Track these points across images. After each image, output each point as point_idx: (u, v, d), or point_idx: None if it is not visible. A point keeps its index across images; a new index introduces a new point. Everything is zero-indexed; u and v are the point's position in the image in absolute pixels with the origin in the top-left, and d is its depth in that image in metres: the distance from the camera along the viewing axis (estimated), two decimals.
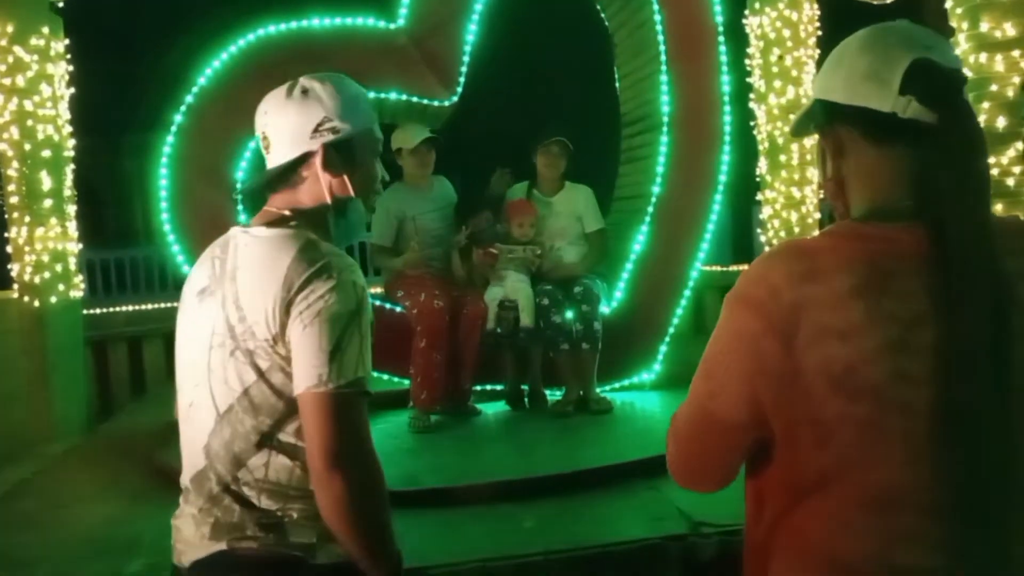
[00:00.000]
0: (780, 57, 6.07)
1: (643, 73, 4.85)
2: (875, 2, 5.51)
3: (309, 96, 1.55)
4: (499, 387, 4.58)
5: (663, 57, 4.59)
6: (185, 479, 1.54)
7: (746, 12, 6.24)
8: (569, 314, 4.33)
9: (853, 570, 1.09)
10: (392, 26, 4.50)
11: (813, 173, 6.08)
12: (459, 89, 4.56)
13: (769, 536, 1.18)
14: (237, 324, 1.44)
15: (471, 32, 4.54)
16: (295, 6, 4.47)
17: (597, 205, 4.68)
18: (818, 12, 6.13)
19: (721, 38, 4.68)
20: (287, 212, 1.55)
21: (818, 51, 6.02)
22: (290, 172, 1.56)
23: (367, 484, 1.41)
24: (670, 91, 4.60)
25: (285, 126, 1.55)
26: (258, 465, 1.45)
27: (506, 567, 2.67)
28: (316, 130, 1.54)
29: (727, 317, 1.14)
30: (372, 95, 4.47)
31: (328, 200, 1.57)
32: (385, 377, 4.48)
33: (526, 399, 4.52)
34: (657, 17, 4.60)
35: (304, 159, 1.55)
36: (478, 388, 4.50)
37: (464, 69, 4.54)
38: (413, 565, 2.63)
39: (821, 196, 6.07)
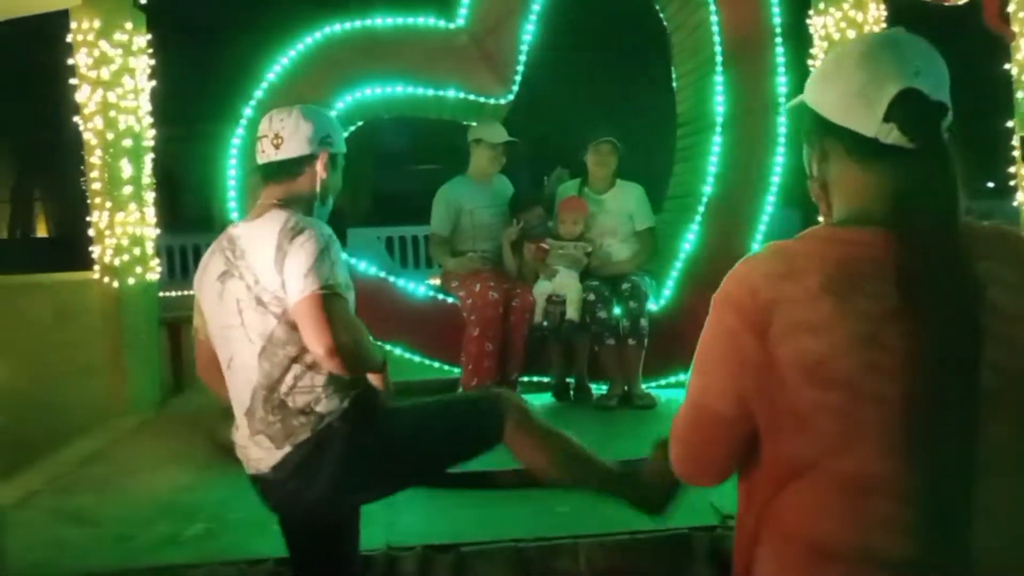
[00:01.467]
0: None
1: (699, 74, 4.90)
2: (946, 3, 5.44)
3: (319, 115, 2.22)
4: (546, 379, 4.70)
5: (718, 58, 4.63)
6: (239, 415, 2.14)
7: (810, 12, 6.20)
8: (616, 310, 4.42)
9: (831, 555, 1.16)
10: (452, 26, 4.65)
11: None
12: (515, 88, 4.68)
13: (756, 524, 1.25)
14: (254, 286, 2.02)
15: (528, 31, 4.65)
16: (361, 6, 4.66)
17: (648, 203, 4.74)
18: (884, 13, 6.05)
19: (778, 39, 4.70)
20: (282, 198, 2.11)
21: None
22: (296, 165, 2.14)
23: (355, 347, 1.96)
24: (725, 92, 4.64)
25: (300, 132, 2.14)
26: (289, 380, 2.02)
27: (537, 548, 2.81)
28: (321, 141, 2.17)
29: (713, 316, 1.23)
30: (431, 92, 4.65)
31: (318, 190, 2.18)
32: (436, 365, 4.64)
33: (571, 392, 4.63)
34: (714, 19, 4.64)
35: (310, 158, 2.15)
36: (525, 379, 4.62)
37: (520, 68, 4.66)
38: (447, 542, 2.81)
39: None
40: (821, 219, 1.33)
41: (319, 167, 2.17)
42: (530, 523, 2.96)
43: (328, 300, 1.93)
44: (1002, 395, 1.12)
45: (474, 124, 4.74)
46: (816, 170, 1.28)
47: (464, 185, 4.73)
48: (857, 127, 1.18)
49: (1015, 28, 4.15)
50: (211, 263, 2.13)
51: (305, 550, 2.32)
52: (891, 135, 1.15)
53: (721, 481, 1.32)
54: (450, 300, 4.54)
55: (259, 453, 2.11)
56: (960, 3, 5.19)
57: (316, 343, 1.92)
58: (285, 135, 2.15)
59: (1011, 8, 4.20)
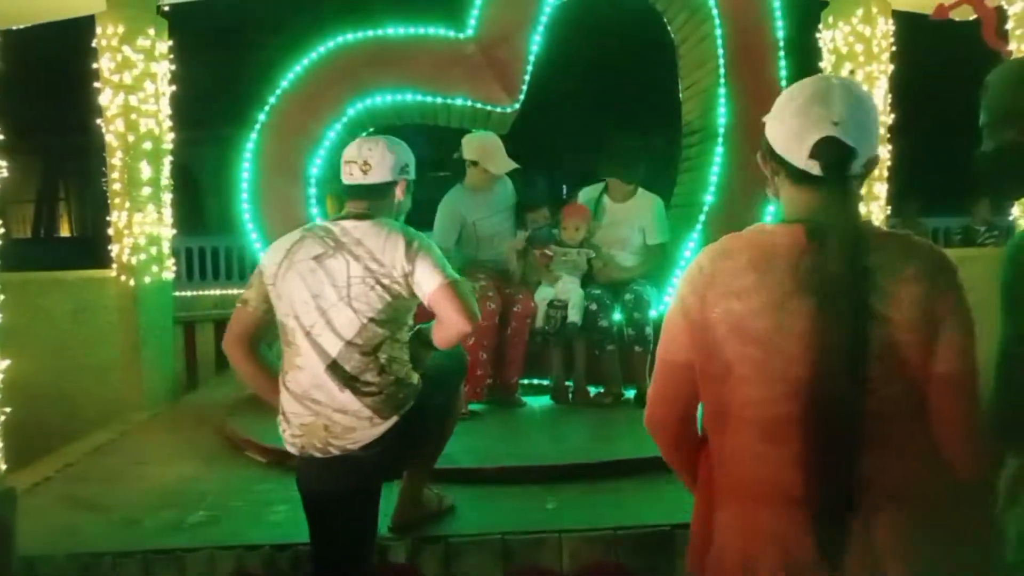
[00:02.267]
0: (852, 72, 6.08)
1: (703, 85, 4.99)
2: (956, 19, 5.50)
3: (400, 147, 2.73)
4: (545, 382, 4.79)
5: (722, 70, 4.73)
6: (306, 387, 2.50)
7: (819, 27, 6.28)
8: (616, 316, 4.52)
9: (752, 493, 1.50)
10: (461, 35, 4.77)
11: (880, 189, 6.09)
12: (522, 97, 4.80)
13: (707, 469, 1.62)
14: (377, 269, 2.49)
15: (536, 42, 4.77)
16: (373, 15, 4.79)
17: (664, 217, 4.79)
18: (893, 27, 6.12)
19: (781, 52, 4.79)
20: (366, 211, 2.61)
21: (891, 66, 6.02)
22: (381, 189, 2.67)
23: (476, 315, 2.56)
24: (727, 103, 4.74)
25: (386, 161, 2.67)
26: (386, 350, 2.50)
27: (523, 541, 2.90)
28: (401, 170, 2.72)
29: (677, 291, 1.61)
30: (440, 100, 4.77)
31: (395, 211, 2.73)
32: None
33: (570, 395, 4.72)
34: (718, 32, 4.74)
35: (392, 184, 2.70)
36: (525, 382, 4.72)
37: (527, 77, 4.77)
38: (435, 533, 2.92)
39: (888, 213, 6.08)
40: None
41: (398, 192, 2.74)
42: (517, 517, 3.06)
43: (459, 285, 2.54)
44: (885, 356, 1.43)
45: (474, 138, 4.70)
46: (770, 180, 1.64)
47: (464, 196, 4.76)
48: (793, 160, 1.52)
49: (1012, 46, 4.21)
50: (302, 247, 2.56)
51: (337, 531, 2.53)
52: (814, 168, 1.50)
53: (684, 422, 1.67)
54: None
55: (353, 425, 2.47)
56: (959, 20, 5.26)
57: (458, 315, 2.49)
58: (373, 163, 2.67)
59: (1009, 26, 4.26)
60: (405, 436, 2.54)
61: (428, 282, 2.49)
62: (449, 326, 2.52)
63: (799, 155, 1.50)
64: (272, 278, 2.57)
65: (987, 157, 1.74)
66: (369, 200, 2.65)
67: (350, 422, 2.46)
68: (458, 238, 4.74)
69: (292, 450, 2.57)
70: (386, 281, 2.49)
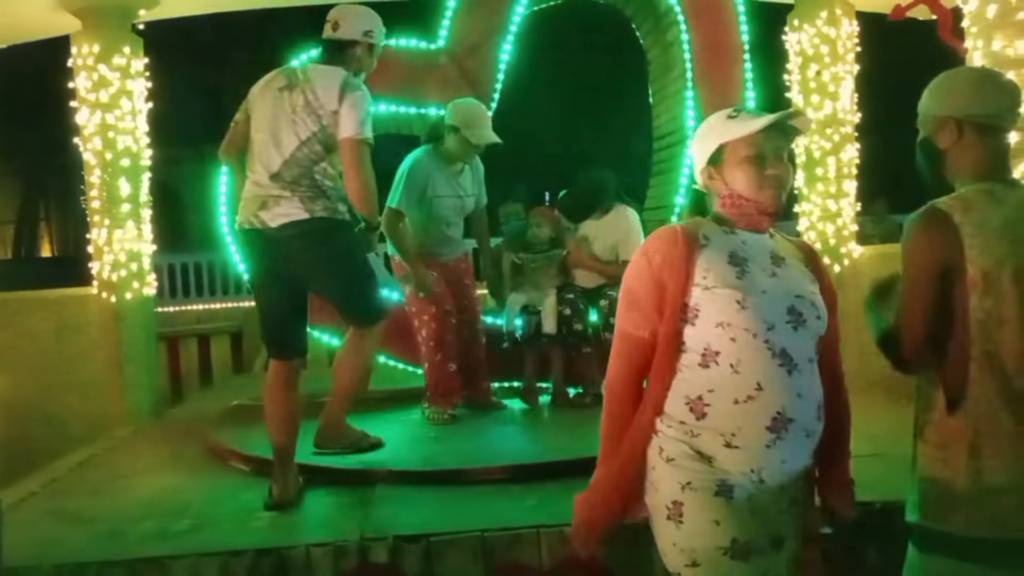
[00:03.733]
0: (818, 73, 6.20)
1: (671, 90, 5.10)
2: (920, 18, 5.63)
3: (369, 16, 3.64)
4: (518, 384, 4.83)
5: (689, 75, 4.83)
6: (263, 174, 3.33)
7: (785, 29, 6.40)
8: (592, 317, 4.60)
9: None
10: (433, 46, 4.85)
11: (850, 186, 6.20)
12: (494, 105, 4.88)
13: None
14: (314, 101, 3.29)
15: (506, 51, 4.86)
16: None
17: (640, 230, 4.72)
18: (857, 28, 6.25)
19: (747, 55, 4.89)
20: (328, 61, 3.56)
21: (856, 66, 6.14)
22: (347, 45, 3.53)
23: (367, 192, 3.34)
24: (696, 106, 4.84)
25: (353, 23, 3.58)
26: (320, 169, 3.32)
27: (501, 538, 2.96)
28: (366, 33, 3.57)
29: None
30: (413, 110, 4.85)
31: (357, 66, 3.56)
32: (401, 367, 4.81)
33: (544, 396, 4.77)
34: (684, 37, 4.85)
35: (356, 43, 3.54)
36: (498, 385, 4.77)
37: (499, 86, 4.86)
38: (416, 532, 2.98)
39: (857, 210, 6.18)
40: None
41: (359, 51, 3.50)
42: (496, 515, 3.12)
43: (362, 146, 3.28)
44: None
45: (461, 103, 4.43)
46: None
47: (434, 163, 4.43)
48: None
49: (967, 43, 4.32)
50: (275, 79, 3.41)
51: (270, 302, 3.43)
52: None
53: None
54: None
55: (285, 209, 3.26)
56: (921, 19, 5.38)
57: (350, 176, 3.27)
58: (342, 23, 3.48)
59: (965, 24, 4.37)
60: (316, 245, 3.30)
61: (345, 127, 3.25)
62: (350, 179, 3.30)
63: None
64: (251, 99, 3.43)
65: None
66: (332, 53, 3.48)
67: (280, 202, 3.26)
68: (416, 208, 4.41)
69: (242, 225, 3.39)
70: (320, 112, 3.26)
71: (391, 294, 4.78)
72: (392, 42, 4.81)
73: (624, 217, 4.76)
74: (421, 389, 4.82)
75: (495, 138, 4.40)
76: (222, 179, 4.67)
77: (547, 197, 5.07)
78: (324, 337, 4.76)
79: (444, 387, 4.40)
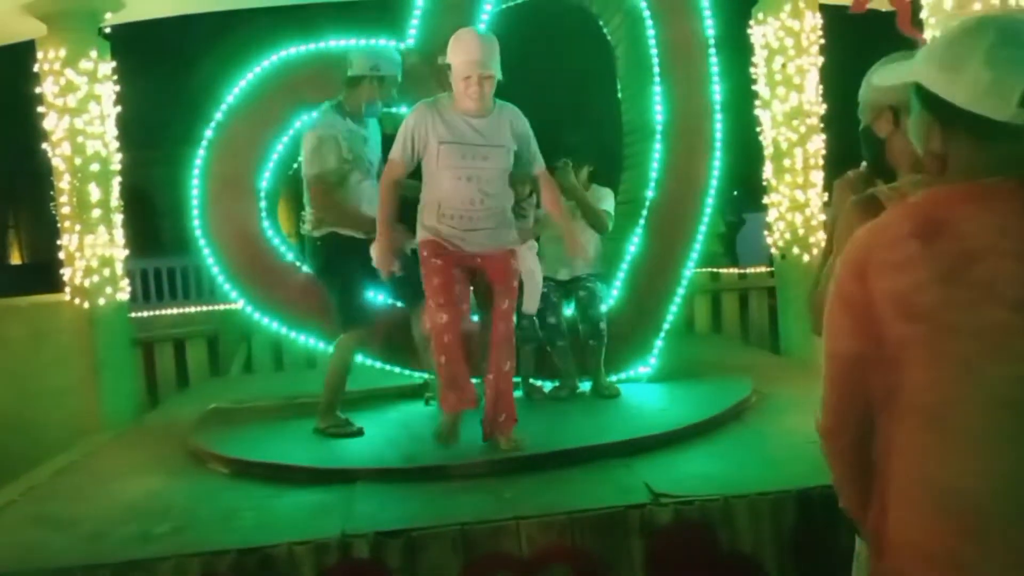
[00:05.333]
0: (783, 65, 6.30)
1: (639, 85, 5.15)
2: (883, 10, 5.73)
3: (375, 52, 4.47)
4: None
5: (656, 69, 4.89)
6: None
7: (750, 23, 6.49)
8: (567, 312, 4.66)
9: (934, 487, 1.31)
10: (402, 46, 4.87)
11: (817, 177, 6.30)
12: None
13: (883, 467, 1.41)
14: None
15: None
16: (314, 30, 4.87)
17: (611, 208, 4.89)
18: (820, 21, 6.35)
19: (712, 50, 4.96)
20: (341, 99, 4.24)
21: (821, 58, 6.24)
22: (354, 80, 4.34)
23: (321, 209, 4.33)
24: (663, 101, 4.90)
25: (360, 59, 4.30)
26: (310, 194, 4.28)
27: (482, 530, 3.01)
28: (371, 68, 4.30)
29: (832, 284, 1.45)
30: (385, 109, 4.87)
31: (363, 100, 4.39)
32: (397, 371, 4.85)
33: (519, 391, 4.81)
34: (650, 32, 4.90)
35: (362, 78, 4.30)
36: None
37: None
38: (398, 528, 3.02)
39: (825, 200, 6.27)
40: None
41: (367, 84, 4.23)
42: (476, 508, 3.17)
43: (311, 181, 4.17)
44: None
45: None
46: (941, 148, 1.41)
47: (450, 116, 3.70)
48: (991, 113, 1.32)
49: (926, 34, 4.42)
50: None
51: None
52: (1021, 116, 1.30)
53: (855, 433, 1.45)
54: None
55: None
56: (884, 11, 5.49)
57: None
58: (353, 60, 4.17)
59: (923, 15, 4.47)
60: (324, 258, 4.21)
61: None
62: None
63: (1002, 106, 1.30)
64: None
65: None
66: (347, 89, 4.27)
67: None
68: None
69: None
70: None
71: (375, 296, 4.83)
72: (361, 43, 4.84)
73: (602, 192, 4.89)
74: (400, 388, 4.87)
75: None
76: (194, 182, 4.67)
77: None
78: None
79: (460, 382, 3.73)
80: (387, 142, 4.68)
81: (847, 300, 1.39)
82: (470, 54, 3.57)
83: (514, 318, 3.81)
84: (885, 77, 1.56)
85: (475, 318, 4.39)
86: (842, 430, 1.48)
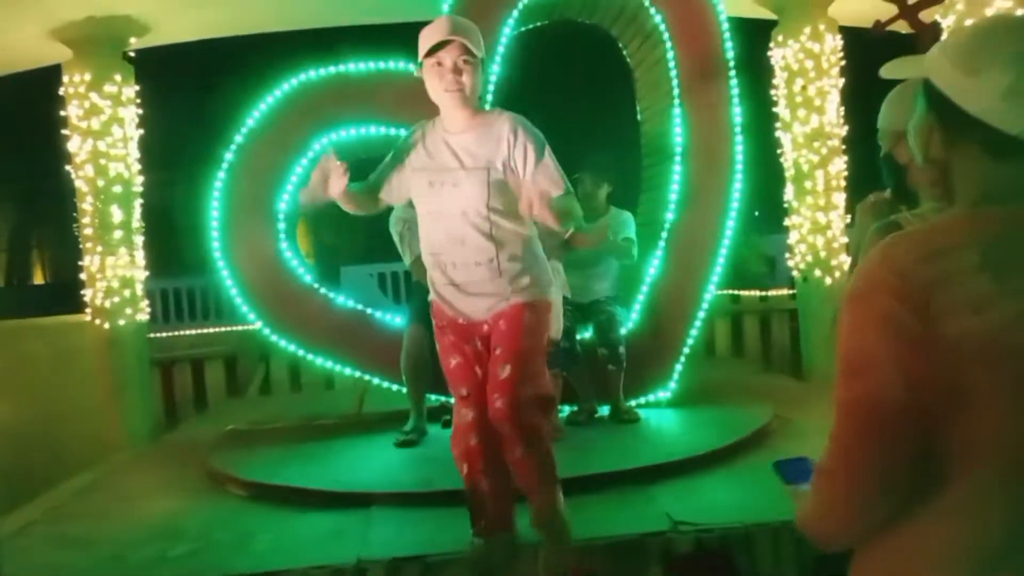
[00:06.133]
0: (803, 87, 6.28)
1: (659, 107, 5.15)
2: (901, 32, 5.71)
3: None
4: None
5: (676, 92, 4.89)
6: None
7: (771, 46, 6.49)
8: (586, 335, 4.64)
9: (998, 547, 1.11)
10: None
11: (839, 199, 6.26)
12: None
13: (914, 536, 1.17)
14: None
15: (494, 72, 4.90)
16: (334, 52, 4.91)
17: (635, 233, 4.80)
18: (840, 42, 6.33)
19: (732, 71, 4.95)
20: None
21: (841, 80, 6.22)
22: None
23: None
24: (683, 123, 4.89)
25: None
26: None
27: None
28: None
29: (856, 313, 1.17)
30: (403, 132, 4.88)
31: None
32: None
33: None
34: (670, 54, 4.90)
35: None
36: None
37: (487, 107, 4.89)
38: (414, 554, 2.99)
39: (847, 222, 6.23)
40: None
41: None
42: None
43: None
44: None
45: None
46: (941, 155, 1.26)
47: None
48: (1003, 125, 1.16)
49: None
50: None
51: None
52: None
53: (871, 526, 1.19)
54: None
55: None
56: (903, 32, 5.46)
57: None
58: None
59: (944, 37, 4.44)
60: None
61: None
62: None
63: (1015, 118, 1.15)
64: None
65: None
66: None
67: None
68: None
69: None
70: None
71: (393, 318, 4.84)
72: (381, 65, 4.88)
73: (621, 215, 4.84)
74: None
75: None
76: (214, 204, 4.70)
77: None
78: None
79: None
80: None
81: (900, 341, 1.12)
82: (435, 28, 2.76)
83: (525, 388, 2.72)
84: (895, 70, 1.38)
85: None
86: (873, 502, 1.17)
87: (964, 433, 1.11)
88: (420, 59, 2.81)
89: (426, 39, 2.76)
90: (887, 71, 1.40)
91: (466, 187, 2.76)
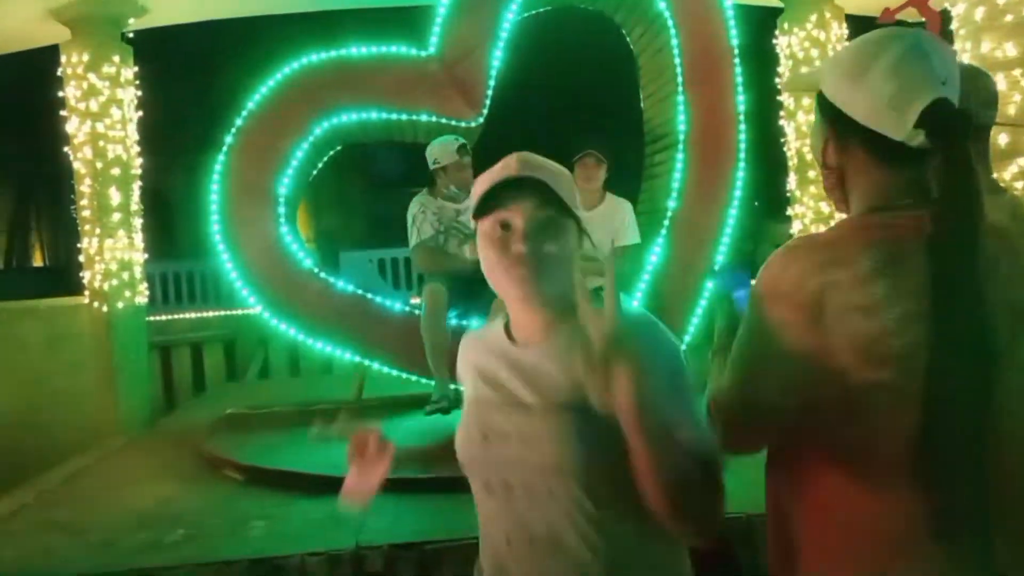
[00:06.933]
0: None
1: (662, 94, 5.10)
2: (909, 20, 5.65)
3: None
4: None
5: (679, 79, 4.83)
6: None
7: (776, 33, 6.43)
8: None
9: (877, 536, 1.21)
10: (424, 53, 4.84)
11: None
12: (485, 111, 4.88)
13: (802, 510, 1.31)
14: None
15: (497, 57, 4.85)
16: (336, 36, 4.85)
17: (635, 221, 4.75)
18: (846, 31, 6.28)
19: (736, 59, 4.90)
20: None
21: None
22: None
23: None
24: (686, 111, 4.84)
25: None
26: None
27: None
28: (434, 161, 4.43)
29: (759, 310, 1.26)
30: (405, 117, 4.84)
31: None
32: (414, 379, 4.80)
33: None
34: (674, 41, 4.84)
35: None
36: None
37: (490, 92, 4.85)
38: (412, 540, 2.96)
39: None
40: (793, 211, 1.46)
41: (437, 175, 4.45)
42: None
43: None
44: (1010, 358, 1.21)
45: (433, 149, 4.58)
46: (834, 160, 1.31)
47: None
48: (887, 131, 1.22)
49: (956, 46, 4.34)
50: None
51: None
52: (917, 139, 1.21)
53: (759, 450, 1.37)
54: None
55: None
56: (911, 22, 5.40)
57: None
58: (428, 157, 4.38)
59: (953, 27, 4.39)
60: None
61: None
62: None
63: (898, 125, 1.21)
64: None
65: None
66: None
67: None
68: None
69: None
70: None
71: (393, 303, 4.81)
72: (382, 50, 4.83)
73: (618, 203, 4.75)
74: (417, 396, 4.83)
75: (458, 138, 4.65)
76: (214, 187, 4.66)
77: None
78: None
79: None
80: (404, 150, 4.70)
81: (793, 347, 1.22)
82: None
83: None
84: (791, 85, 1.48)
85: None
86: (747, 444, 1.36)
87: (857, 429, 1.20)
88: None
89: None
90: (786, 86, 1.46)
91: None
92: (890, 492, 1.19)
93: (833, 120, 1.29)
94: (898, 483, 1.18)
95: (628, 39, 5.48)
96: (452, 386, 4.42)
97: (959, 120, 1.21)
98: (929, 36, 1.26)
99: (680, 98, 4.84)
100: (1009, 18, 4.19)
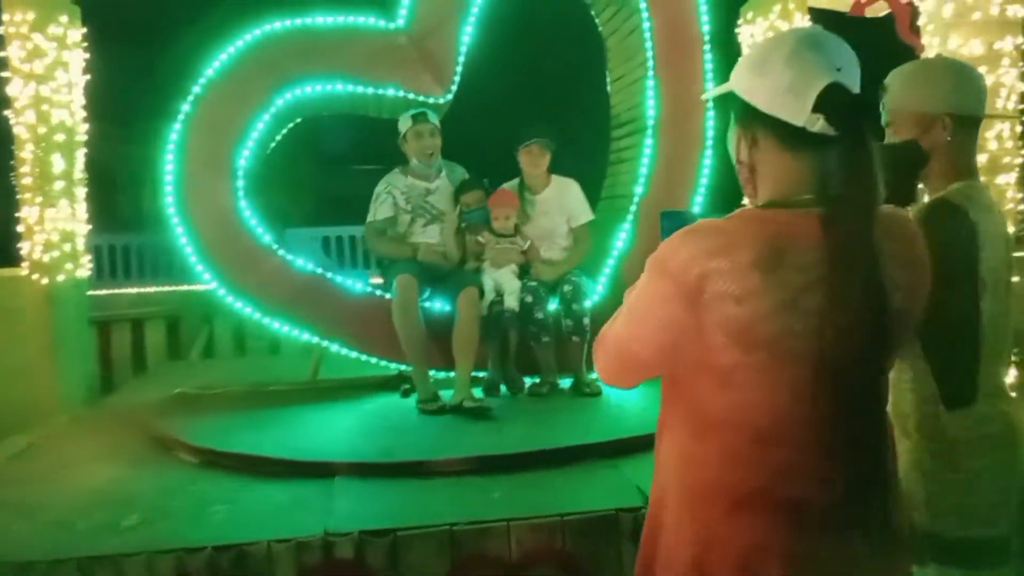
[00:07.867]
0: None
1: (631, 78, 5.06)
2: (867, 14, 5.70)
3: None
4: (481, 373, 4.74)
5: (650, 63, 4.80)
6: None
7: (739, 22, 6.44)
8: (552, 307, 4.55)
9: (741, 501, 1.33)
10: (392, 26, 4.72)
11: None
12: (454, 87, 4.78)
13: (668, 476, 1.46)
14: None
15: (467, 33, 4.75)
16: (300, 4, 4.69)
17: (585, 199, 4.77)
18: (809, 23, 6.32)
19: (707, 47, 4.88)
20: None
21: None
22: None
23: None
24: (656, 95, 4.81)
25: None
26: None
27: (470, 531, 2.89)
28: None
29: (649, 277, 1.39)
30: (371, 91, 4.71)
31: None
32: (374, 361, 4.70)
33: (503, 386, 4.71)
34: (646, 24, 4.80)
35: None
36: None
37: (459, 68, 4.75)
38: (383, 527, 2.89)
39: None
40: (746, 201, 1.46)
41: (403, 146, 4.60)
42: (463, 508, 3.05)
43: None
44: (898, 345, 1.39)
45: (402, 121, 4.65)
46: (745, 154, 1.42)
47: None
48: (788, 117, 1.32)
49: (924, 40, 4.39)
50: None
51: None
52: (818, 124, 1.30)
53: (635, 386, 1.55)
54: (388, 296, 4.54)
55: None
56: (880, 15, 5.47)
57: None
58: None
59: (921, 21, 4.44)
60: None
61: None
62: None
63: (797, 110, 1.31)
64: None
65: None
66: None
67: None
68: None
69: None
70: None
71: (355, 283, 4.70)
72: (349, 20, 4.68)
73: (566, 183, 4.78)
74: (376, 378, 4.75)
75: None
76: (168, 158, 4.47)
77: (487, 183, 4.84)
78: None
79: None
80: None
81: (670, 320, 1.35)
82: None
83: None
84: (713, 91, 1.56)
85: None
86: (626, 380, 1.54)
87: (722, 402, 1.34)
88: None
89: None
90: (705, 96, 1.63)
91: None
92: (747, 455, 1.33)
93: (741, 113, 1.39)
94: (754, 450, 1.32)
95: (597, 20, 5.43)
96: (432, 377, 4.44)
97: (854, 103, 1.30)
98: (824, 31, 1.37)
99: (650, 83, 4.80)
100: (977, 15, 4.25)
